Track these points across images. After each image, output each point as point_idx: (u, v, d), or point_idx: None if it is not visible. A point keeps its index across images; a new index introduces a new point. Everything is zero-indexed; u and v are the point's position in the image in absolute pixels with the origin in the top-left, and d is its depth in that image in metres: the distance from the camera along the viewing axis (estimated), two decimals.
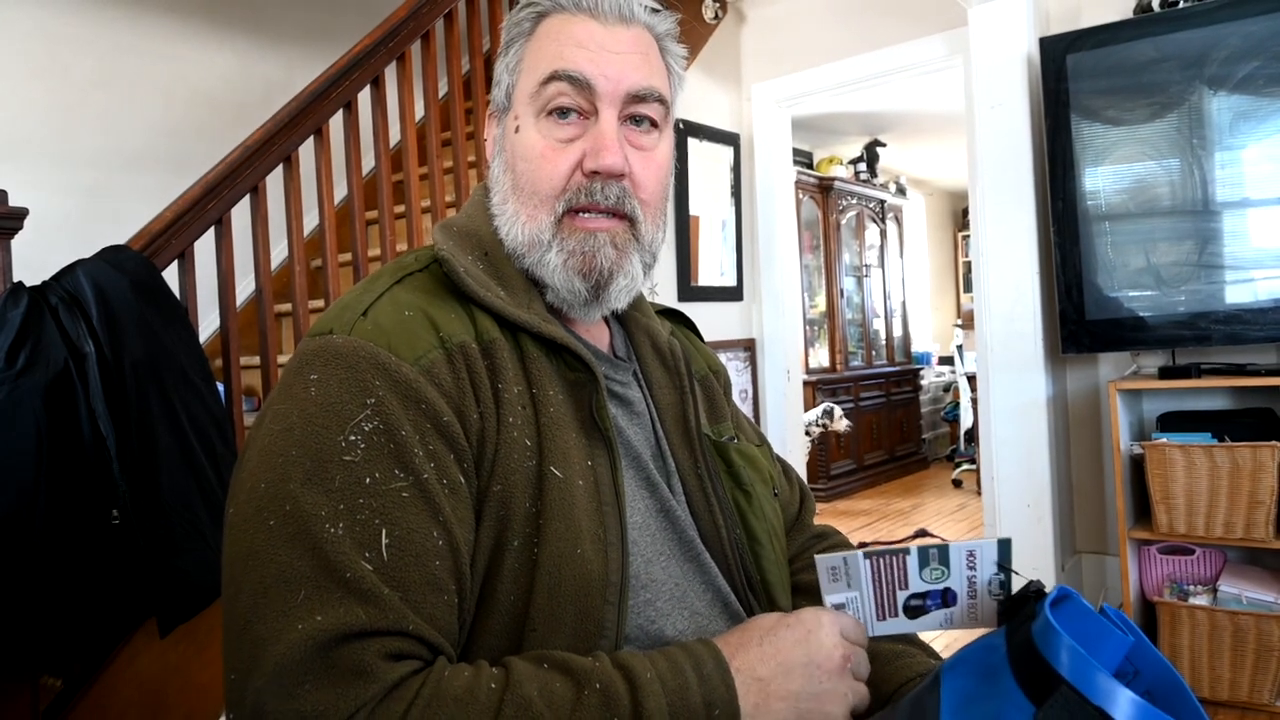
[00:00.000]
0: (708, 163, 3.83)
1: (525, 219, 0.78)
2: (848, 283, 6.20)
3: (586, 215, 0.78)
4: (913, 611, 0.72)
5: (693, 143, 3.72)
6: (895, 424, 6.41)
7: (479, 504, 0.69)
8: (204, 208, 2.11)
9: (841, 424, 5.19)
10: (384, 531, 0.62)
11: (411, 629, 0.61)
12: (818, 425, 5.13)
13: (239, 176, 2.20)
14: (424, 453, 0.65)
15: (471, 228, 0.83)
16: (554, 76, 0.77)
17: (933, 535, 4.48)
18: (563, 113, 0.77)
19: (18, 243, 1.77)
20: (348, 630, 0.59)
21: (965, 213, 7.85)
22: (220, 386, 2.04)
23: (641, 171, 0.79)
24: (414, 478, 0.64)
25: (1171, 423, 2.60)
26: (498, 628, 0.68)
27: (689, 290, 3.70)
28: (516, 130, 0.79)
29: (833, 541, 1.03)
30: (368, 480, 0.63)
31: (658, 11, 0.84)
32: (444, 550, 0.64)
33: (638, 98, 0.78)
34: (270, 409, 0.69)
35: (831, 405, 5.25)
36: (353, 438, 0.64)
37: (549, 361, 0.76)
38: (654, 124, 0.81)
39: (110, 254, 1.84)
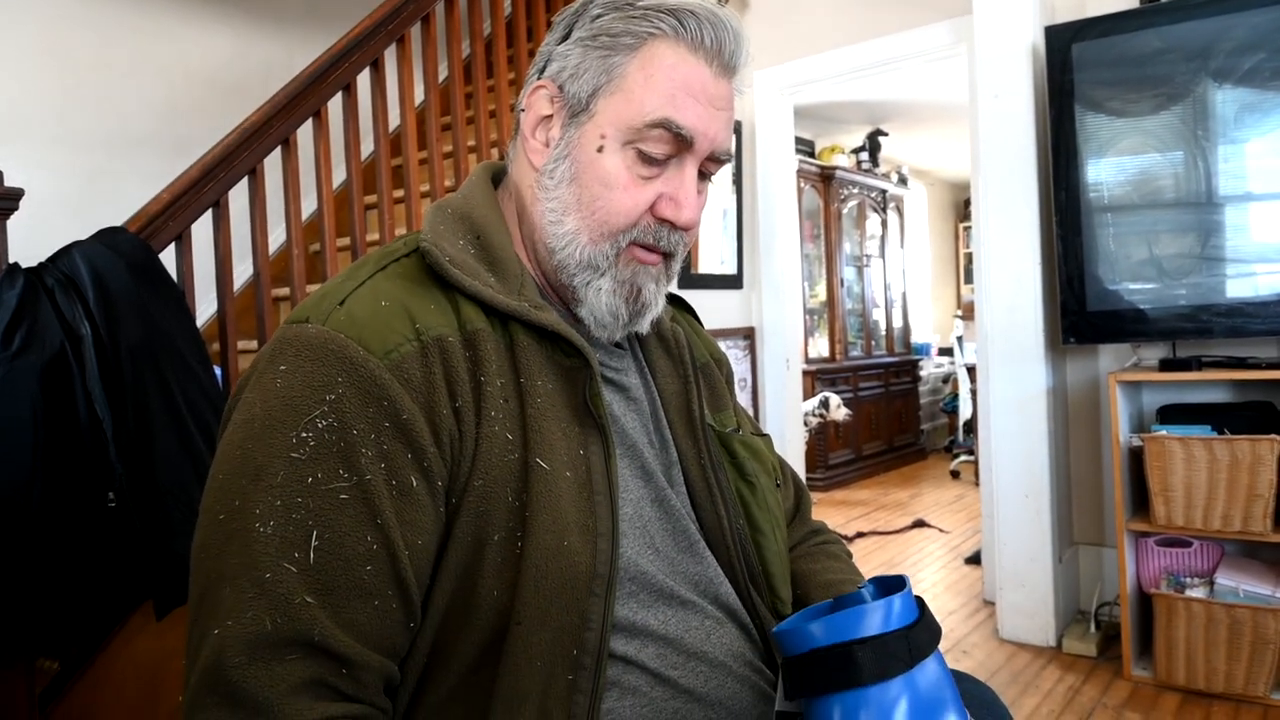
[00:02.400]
0: None
1: (588, 242, 0.77)
2: (848, 272, 6.19)
3: (643, 250, 0.78)
4: None
5: None
6: (894, 414, 6.41)
7: (457, 500, 0.68)
8: (201, 190, 2.10)
9: (840, 413, 5.15)
10: (315, 533, 0.62)
11: (318, 638, 0.60)
12: (815, 415, 5.11)
13: (237, 159, 2.18)
14: (375, 453, 0.65)
15: (466, 210, 0.81)
16: (663, 124, 0.74)
17: (930, 525, 4.49)
18: (654, 158, 0.76)
19: (14, 224, 1.75)
20: (255, 638, 0.59)
21: (967, 204, 7.83)
22: (218, 370, 2.03)
23: (699, 219, 0.81)
24: (357, 478, 0.64)
25: (1171, 415, 2.60)
26: (481, 623, 0.67)
27: (689, 278, 3.69)
28: (599, 150, 0.76)
29: (827, 537, 1.03)
30: (309, 479, 0.63)
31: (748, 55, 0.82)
32: (378, 555, 0.63)
33: (717, 159, 0.79)
34: (242, 395, 0.69)
35: (828, 394, 5.23)
36: (305, 434, 0.64)
37: (540, 349, 0.75)
38: (713, 174, 0.83)
39: (107, 236, 1.83)
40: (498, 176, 0.88)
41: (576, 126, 0.78)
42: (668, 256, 0.81)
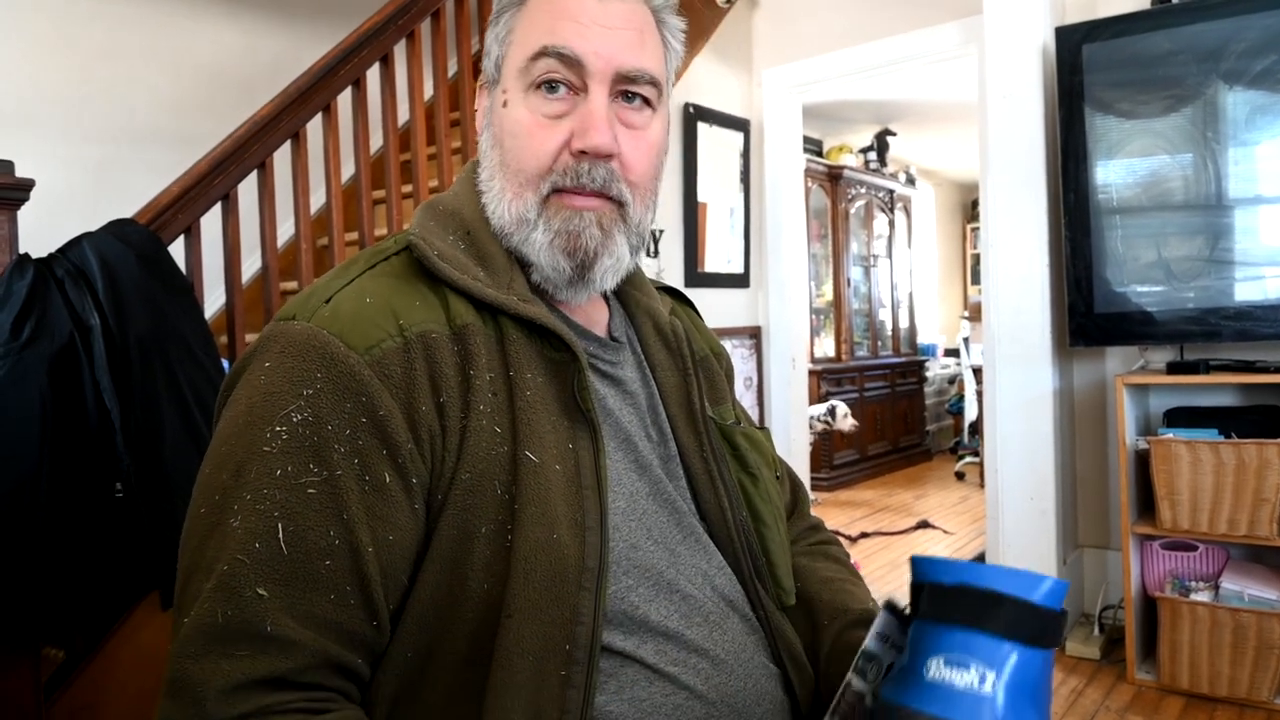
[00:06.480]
0: (717, 148, 3.81)
1: (512, 196, 0.77)
2: (855, 272, 6.18)
3: (571, 195, 0.76)
4: None
5: (702, 127, 3.70)
6: (899, 415, 6.40)
7: (443, 496, 0.68)
8: (211, 183, 2.11)
9: (846, 423, 5.08)
10: (280, 525, 0.62)
11: (270, 629, 0.60)
12: (820, 421, 5.10)
13: (246, 152, 2.19)
14: (348, 448, 0.65)
15: (456, 206, 0.82)
16: (543, 52, 0.75)
17: (935, 527, 4.48)
18: (551, 86, 0.75)
19: (24, 214, 1.76)
20: (208, 631, 0.60)
21: (974, 204, 7.81)
22: (225, 363, 2.03)
23: (631, 152, 0.77)
24: (327, 473, 0.64)
25: (1178, 418, 2.59)
26: (471, 615, 0.67)
27: (695, 276, 3.69)
28: (505, 105, 0.78)
29: (824, 536, 1.03)
30: (278, 473, 0.64)
31: None
32: (339, 550, 0.63)
33: (629, 78, 0.77)
34: (231, 392, 0.70)
35: (835, 403, 5.21)
36: (279, 429, 0.64)
37: (530, 343, 0.75)
38: (646, 102, 0.79)
39: (116, 227, 1.83)
40: None
41: (490, 98, 0.81)
42: (610, 200, 0.77)
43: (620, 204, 0.78)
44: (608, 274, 0.79)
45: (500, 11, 0.80)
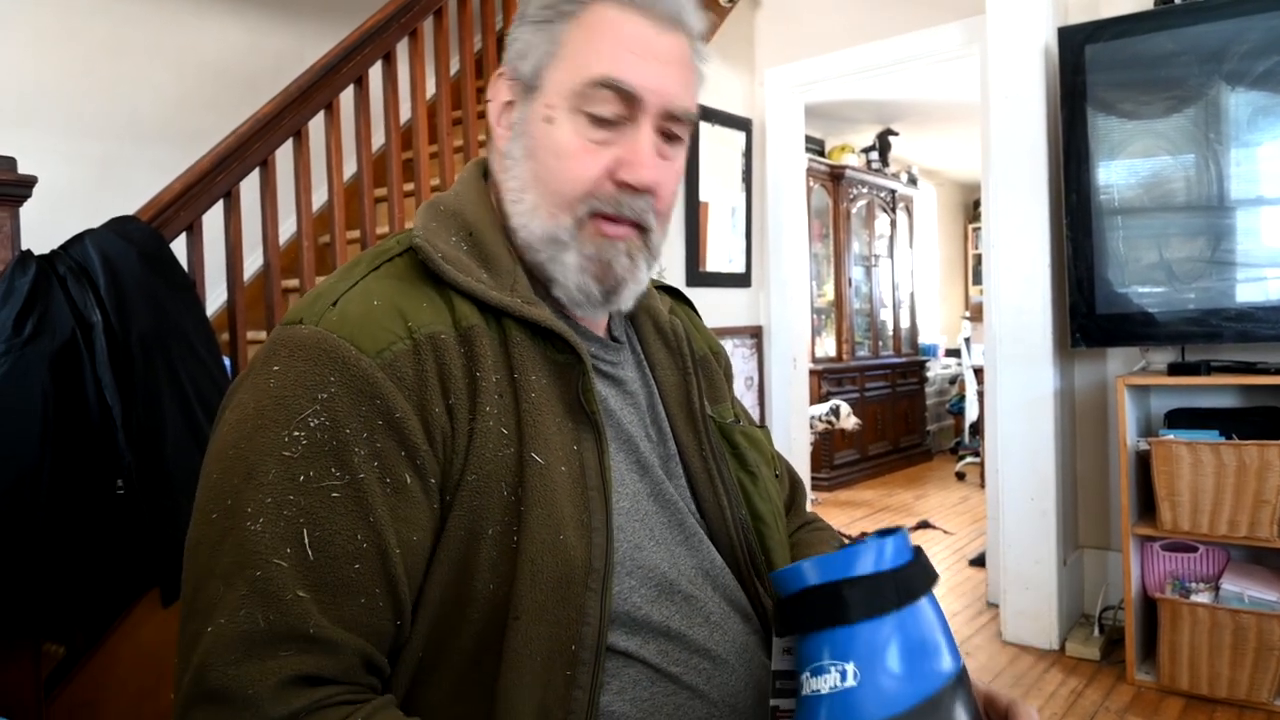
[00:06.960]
0: (719, 147, 3.81)
1: (545, 215, 0.76)
2: (856, 272, 6.18)
3: (607, 223, 0.76)
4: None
5: (704, 127, 3.70)
6: (900, 415, 6.40)
7: (451, 496, 0.68)
8: (213, 180, 2.11)
9: (849, 422, 5.10)
10: (306, 531, 0.62)
11: (313, 630, 0.61)
12: (822, 421, 5.11)
13: (249, 149, 2.19)
14: (367, 451, 0.65)
15: (458, 207, 0.81)
16: (604, 83, 0.74)
17: (935, 527, 4.48)
18: (606, 120, 0.75)
19: (26, 211, 1.76)
20: (248, 635, 0.59)
21: (976, 204, 7.81)
22: (226, 360, 2.04)
23: (663, 182, 0.78)
24: (350, 477, 0.64)
25: (1179, 419, 2.59)
26: (477, 616, 0.67)
27: (697, 275, 3.69)
28: (548, 120, 0.76)
29: (820, 525, 1.04)
30: (301, 478, 0.63)
31: (698, 10, 0.81)
32: (367, 553, 0.63)
33: (675, 117, 0.77)
34: (234, 396, 0.69)
35: (839, 403, 5.21)
36: (297, 433, 0.64)
37: (533, 344, 0.75)
38: (679, 136, 0.80)
39: (118, 224, 1.84)
40: (489, 172, 0.88)
41: (529, 104, 0.78)
42: (639, 229, 0.78)
43: (646, 230, 0.79)
44: (629, 298, 0.80)
45: (550, 19, 0.77)
